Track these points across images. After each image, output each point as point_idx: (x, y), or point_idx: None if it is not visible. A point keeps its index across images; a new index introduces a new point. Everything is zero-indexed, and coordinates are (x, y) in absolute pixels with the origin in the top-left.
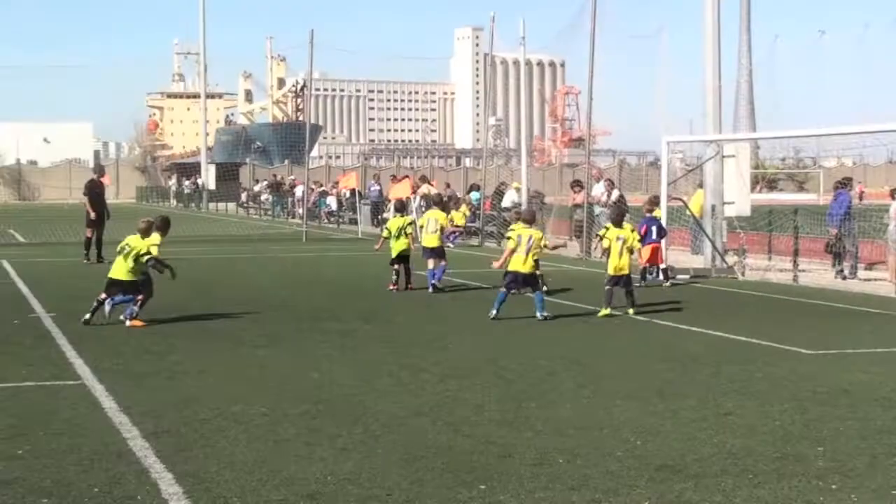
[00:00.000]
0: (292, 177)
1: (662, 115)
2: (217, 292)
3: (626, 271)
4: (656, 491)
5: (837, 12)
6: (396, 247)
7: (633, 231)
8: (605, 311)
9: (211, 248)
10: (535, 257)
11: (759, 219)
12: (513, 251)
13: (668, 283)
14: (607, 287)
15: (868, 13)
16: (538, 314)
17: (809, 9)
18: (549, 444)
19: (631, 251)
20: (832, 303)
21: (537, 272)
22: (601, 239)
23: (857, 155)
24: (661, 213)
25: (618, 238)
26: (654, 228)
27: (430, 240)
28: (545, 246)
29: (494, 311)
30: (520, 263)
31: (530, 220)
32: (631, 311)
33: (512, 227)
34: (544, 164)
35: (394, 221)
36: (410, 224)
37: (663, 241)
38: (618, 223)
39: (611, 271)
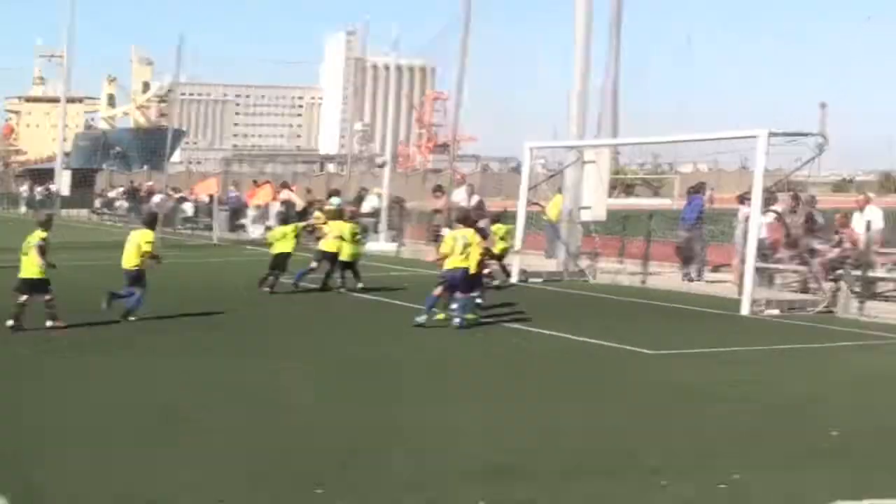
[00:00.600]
0: (150, 182)
1: (526, 121)
2: (60, 298)
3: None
4: (492, 490)
5: (706, 21)
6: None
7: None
8: (440, 315)
9: (64, 255)
10: (477, 257)
11: (614, 223)
12: (446, 255)
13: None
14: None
15: (736, 23)
16: (456, 320)
17: (677, 18)
18: (401, 446)
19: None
20: (677, 304)
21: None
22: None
23: (712, 161)
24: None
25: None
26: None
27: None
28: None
29: (424, 317)
30: (457, 262)
31: (464, 221)
32: (469, 316)
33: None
34: (408, 170)
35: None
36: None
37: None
38: (463, 222)
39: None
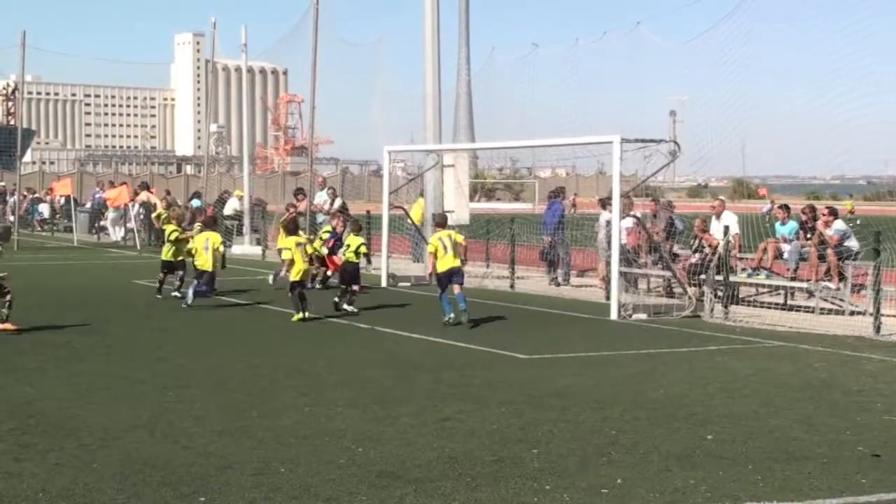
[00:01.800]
0: (2, 183)
1: (383, 125)
2: None
3: (306, 277)
4: (377, 497)
5: (551, 28)
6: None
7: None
8: (298, 317)
9: None
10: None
11: (477, 227)
12: (435, 255)
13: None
14: (292, 293)
15: (577, 29)
16: (463, 315)
17: (524, 23)
18: (270, 453)
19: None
20: (546, 309)
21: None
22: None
23: (570, 166)
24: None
25: (298, 245)
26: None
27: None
28: (460, 242)
29: (451, 315)
30: (450, 262)
31: (443, 223)
32: (298, 315)
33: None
34: (267, 172)
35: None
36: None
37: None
38: (293, 231)
39: (294, 277)
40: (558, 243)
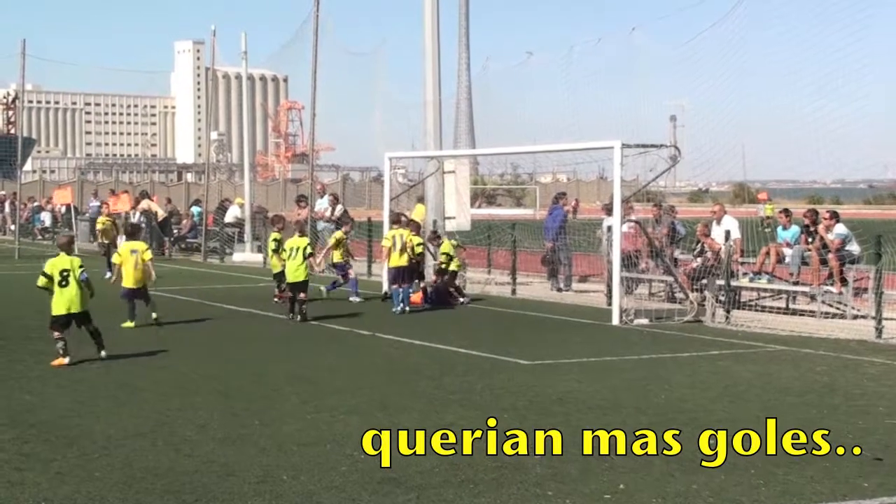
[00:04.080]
0: (2, 192)
1: (384, 131)
2: None
3: (140, 284)
4: (377, 500)
5: (546, 35)
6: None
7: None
8: (128, 324)
9: None
10: (412, 256)
11: (478, 233)
12: (389, 250)
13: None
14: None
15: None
16: (396, 308)
17: (522, 31)
18: (273, 461)
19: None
20: (548, 314)
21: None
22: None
23: (570, 171)
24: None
25: (132, 251)
26: None
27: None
28: (411, 241)
29: (401, 306)
30: (396, 260)
31: (396, 221)
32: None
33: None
34: (268, 179)
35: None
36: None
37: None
38: (132, 236)
39: (127, 284)
40: (560, 248)
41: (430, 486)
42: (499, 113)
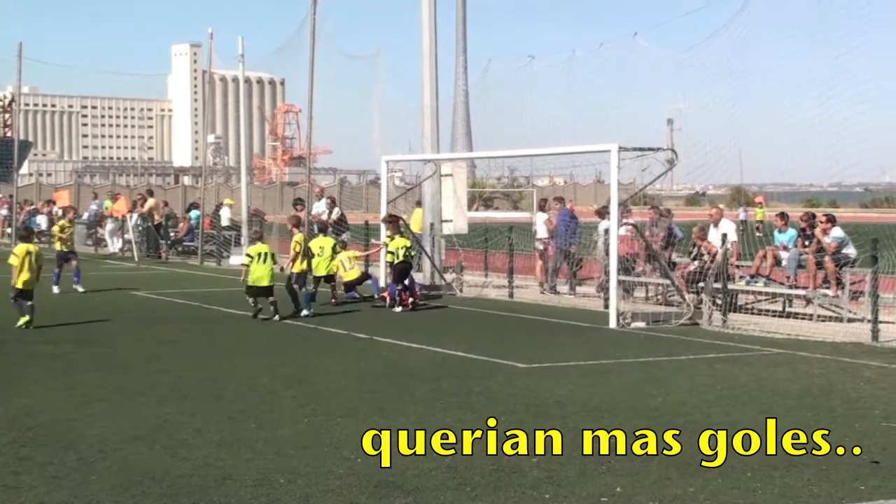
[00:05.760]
0: None
1: (381, 135)
2: None
3: (31, 286)
4: None
5: (546, 39)
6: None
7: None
8: (24, 320)
9: None
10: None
11: (475, 236)
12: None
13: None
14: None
15: (573, 41)
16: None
17: (520, 35)
18: (270, 464)
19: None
20: (545, 317)
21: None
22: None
23: (567, 174)
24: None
25: (27, 253)
26: None
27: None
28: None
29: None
30: (299, 266)
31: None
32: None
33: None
34: (265, 183)
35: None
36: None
37: None
38: (24, 238)
39: (19, 285)
40: (558, 251)
41: (428, 489)
42: (496, 116)
